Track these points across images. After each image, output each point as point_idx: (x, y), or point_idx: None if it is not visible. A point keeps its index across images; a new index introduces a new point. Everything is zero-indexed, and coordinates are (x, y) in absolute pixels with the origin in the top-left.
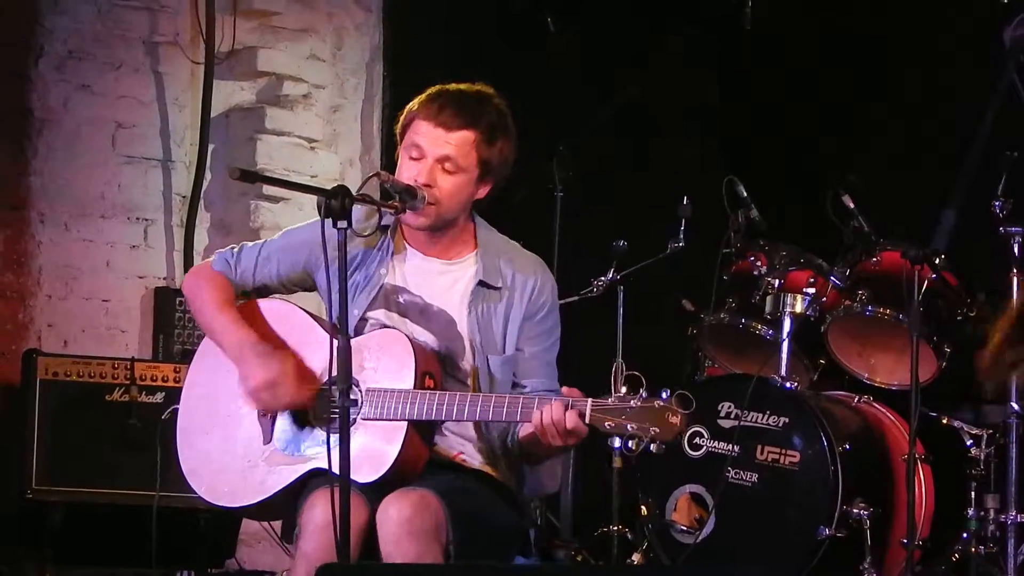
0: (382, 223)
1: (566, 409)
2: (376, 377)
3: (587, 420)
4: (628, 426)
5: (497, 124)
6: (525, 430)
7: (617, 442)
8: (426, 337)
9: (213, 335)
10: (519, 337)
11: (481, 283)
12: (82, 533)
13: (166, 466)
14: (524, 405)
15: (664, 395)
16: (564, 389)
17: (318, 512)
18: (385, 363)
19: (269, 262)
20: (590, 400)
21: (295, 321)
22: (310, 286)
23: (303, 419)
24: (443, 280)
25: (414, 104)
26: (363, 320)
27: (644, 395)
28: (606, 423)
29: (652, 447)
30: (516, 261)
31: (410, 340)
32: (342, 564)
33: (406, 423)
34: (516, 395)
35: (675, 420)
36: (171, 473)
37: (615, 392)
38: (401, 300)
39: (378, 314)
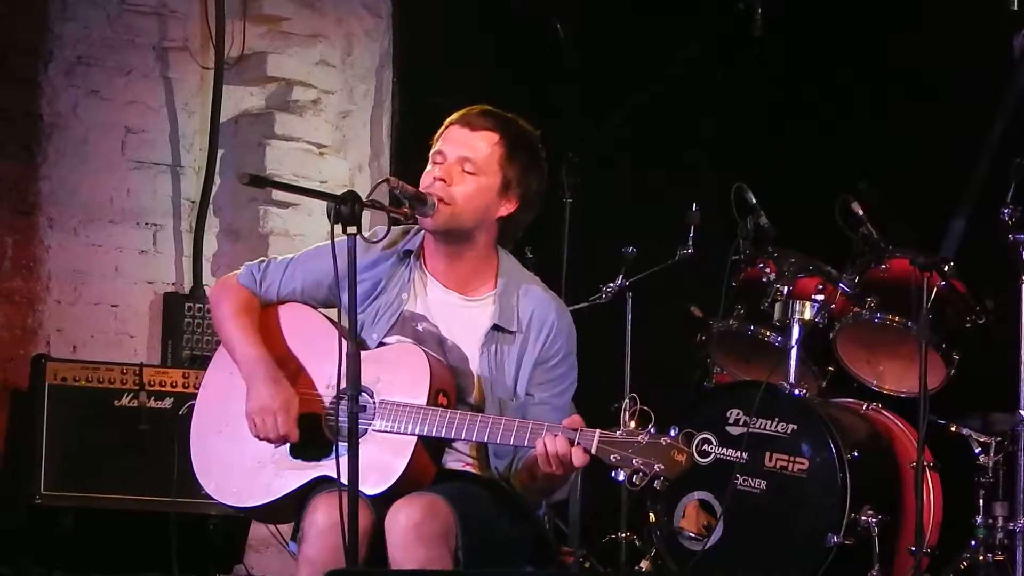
0: (407, 247)
1: (572, 444)
2: (390, 390)
3: (593, 451)
4: (634, 460)
5: (523, 141)
6: (529, 459)
7: (621, 475)
8: None
9: (231, 350)
10: (529, 382)
11: (496, 327)
12: (91, 539)
13: (177, 472)
14: (533, 431)
15: (672, 432)
16: (566, 421)
17: (320, 515)
18: (400, 377)
19: (294, 279)
20: (598, 431)
21: (314, 328)
22: (332, 302)
23: (315, 426)
24: (460, 315)
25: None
26: (381, 344)
27: (652, 431)
28: (612, 456)
29: (656, 483)
30: (535, 303)
31: (427, 356)
32: (350, 569)
33: (415, 438)
34: (526, 420)
35: (681, 458)
36: (180, 479)
37: (624, 426)
38: (420, 328)
39: (394, 340)
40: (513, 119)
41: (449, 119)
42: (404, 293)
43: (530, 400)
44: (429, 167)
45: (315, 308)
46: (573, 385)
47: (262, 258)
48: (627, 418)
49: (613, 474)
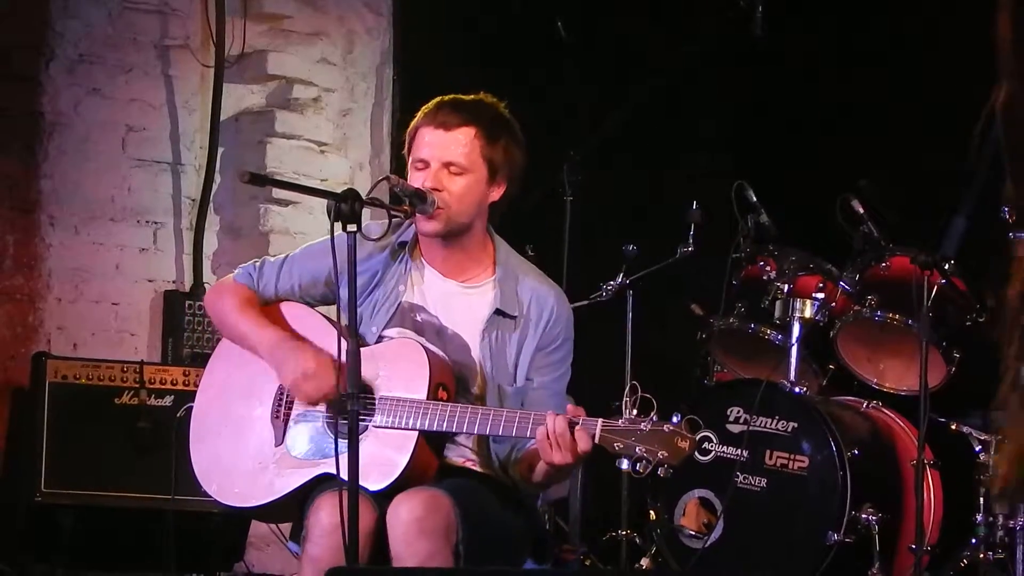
0: (401, 239)
1: (575, 427)
2: (390, 385)
3: (596, 440)
4: (637, 448)
5: (498, 122)
6: (529, 450)
7: (625, 464)
8: None
9: (244, 340)
10: (529, 367)
11: (498, 311)
12: (91, 536)
13: (177, 470)
14: (535, 420)
15: (675, 419)
16: (570, 408)
17: (324, 515)
18: (399, 372)
19: (290, 276)
20: (600, 420)
21: (312, 324)
22: (331, 299)
23: (315, 424)
24: (460, 303)
25: (415, 119)
26: (380, 338)
27: (655, 418)
28: (615, 444)
29: (660, 471)
30: (535, 289)
31: (426, 350)
32: (351, 567)
33: (417, 433)
34: (528, 410)
35: (684, 445)
36: (181, 476)
37: (626, 414)
38: (418, 319)
39: (394, 332)
40: (480, 101)
41: (416, 122)
42: (401, 285)
43: (529, 385)
44: (412, 173)
45: (312, 307)
46: (569, 371)
47: (255, 259)
48: (629, 406)
49: (617, 463)
